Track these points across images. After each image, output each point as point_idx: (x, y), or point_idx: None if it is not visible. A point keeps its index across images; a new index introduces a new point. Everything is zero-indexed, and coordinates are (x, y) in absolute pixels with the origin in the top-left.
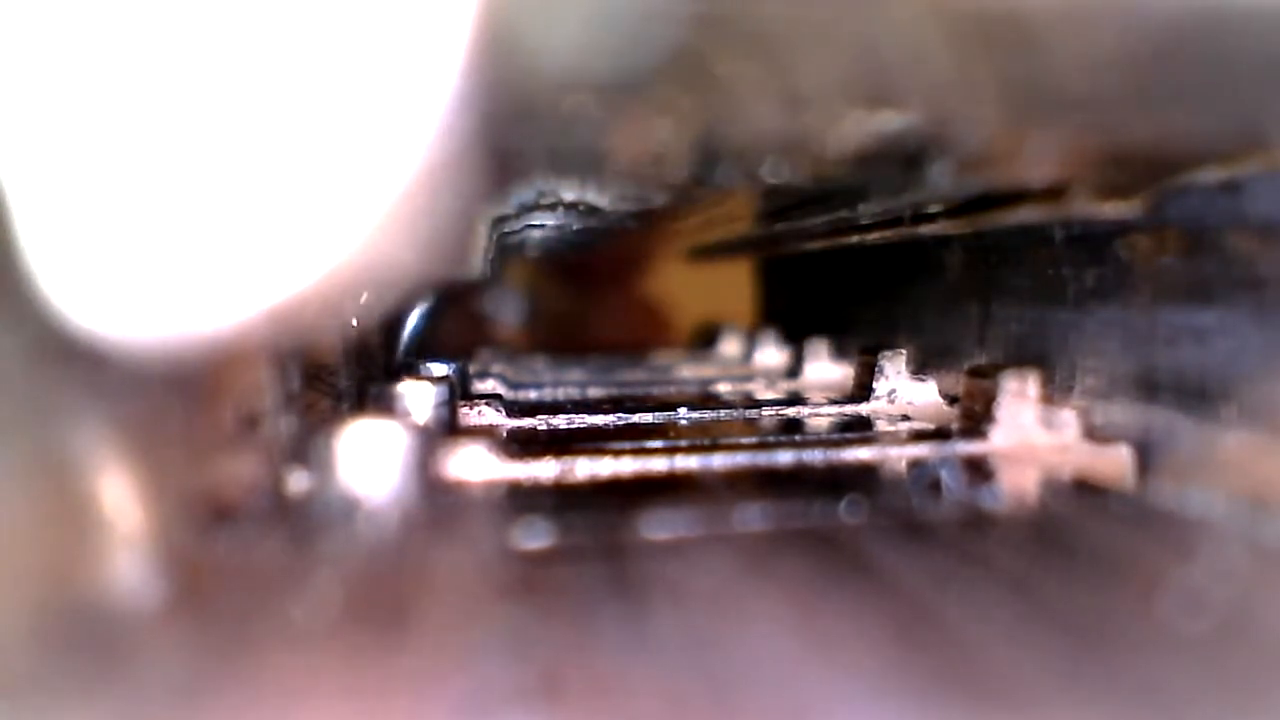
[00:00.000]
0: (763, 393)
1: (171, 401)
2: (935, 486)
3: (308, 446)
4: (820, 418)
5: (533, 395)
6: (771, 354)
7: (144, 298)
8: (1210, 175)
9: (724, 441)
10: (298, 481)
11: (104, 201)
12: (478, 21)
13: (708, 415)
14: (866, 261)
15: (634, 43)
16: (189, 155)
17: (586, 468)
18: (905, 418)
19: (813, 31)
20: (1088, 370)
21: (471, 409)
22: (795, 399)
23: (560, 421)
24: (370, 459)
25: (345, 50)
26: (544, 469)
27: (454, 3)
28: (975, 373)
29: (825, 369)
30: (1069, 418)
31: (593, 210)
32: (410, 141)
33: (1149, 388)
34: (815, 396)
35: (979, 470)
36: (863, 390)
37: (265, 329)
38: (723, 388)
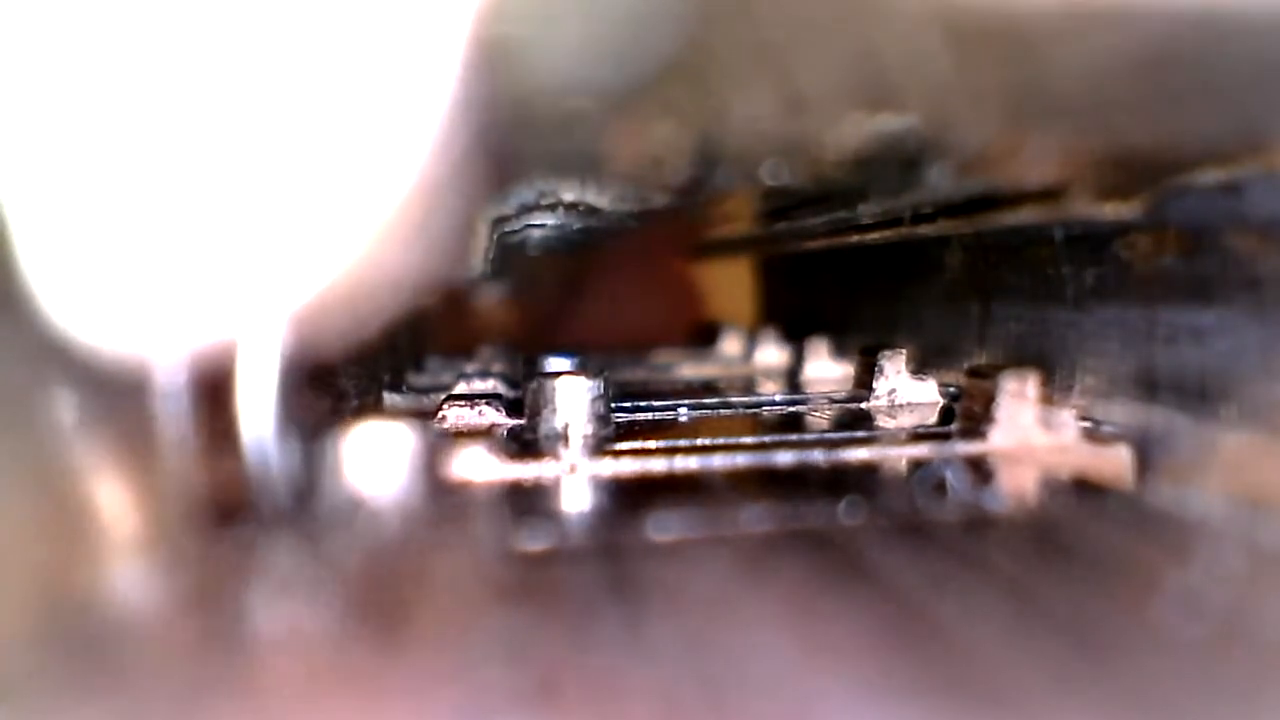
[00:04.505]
0: (763, 392)
1: (173, 402)
2: (935, 487)
3: (309, 447)
4: (820, 417)
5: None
6: (772, 353)
7: (145, 308)
8: (1210, 176)
9: (724, 442)
10: (299, 482)
11: (110, 207)
12: (477, 26)
13: (708, 415)
14: (866, 261)
15: (633, 45)
16: (193, 159)
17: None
18: None
19: (812, 34)
20: (1087, 370)
21: (471, 409)
22: (795, 398)
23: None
24: (372, 460)
25: (345, 58)
26: (544, 469)
27: (453, 8)
28: (975, 373)
29: (825, 368)
30: (1068, 418)
31: (592, 210)
32: (412, 147)
33: (1149, 388)
34: (815, 396)
35: (978, 470)
36: (863, 389)
37: (270, 333)
38: (723, 387)
